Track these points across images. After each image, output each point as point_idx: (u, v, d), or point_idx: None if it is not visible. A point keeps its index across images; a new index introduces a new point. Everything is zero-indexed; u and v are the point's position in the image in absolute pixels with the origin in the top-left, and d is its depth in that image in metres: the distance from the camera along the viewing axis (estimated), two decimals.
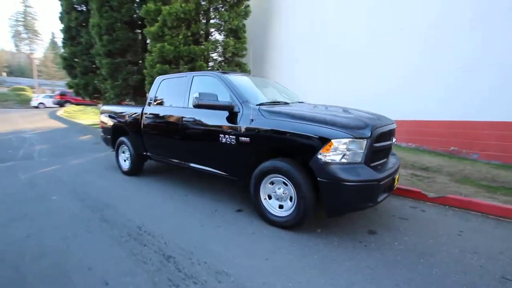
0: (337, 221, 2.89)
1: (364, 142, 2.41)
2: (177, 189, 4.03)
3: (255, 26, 9.95)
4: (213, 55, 9.13)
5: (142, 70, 11.59)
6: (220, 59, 9.14)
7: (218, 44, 8.62)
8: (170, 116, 3.78)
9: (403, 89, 6.27)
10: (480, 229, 2.81)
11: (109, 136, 5.12)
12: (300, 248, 2.39)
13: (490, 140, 4.88)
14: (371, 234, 2.67)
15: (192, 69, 8.64)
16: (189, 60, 8.56)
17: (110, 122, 5.05)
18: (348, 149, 2.37)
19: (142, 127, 4.25)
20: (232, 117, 3.04)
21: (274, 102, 3.32)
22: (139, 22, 11.12)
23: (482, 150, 5.01)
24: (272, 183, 2.81)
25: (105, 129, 5.21)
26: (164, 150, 4.02)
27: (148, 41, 11.93)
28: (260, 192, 2.87)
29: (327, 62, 8.19)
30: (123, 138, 4.75)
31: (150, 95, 4.27)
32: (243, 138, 2.89)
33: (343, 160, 2.38)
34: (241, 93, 3.12)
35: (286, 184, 2.70)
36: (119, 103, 11.53)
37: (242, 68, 9.32)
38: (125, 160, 4.89)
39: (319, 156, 2.39)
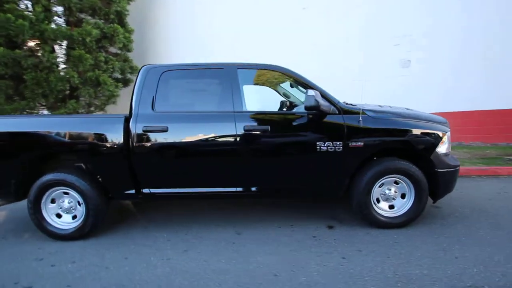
0: None
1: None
2: (207, 230, 2.80)
3: (136, 15, 8.12)
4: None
5: None
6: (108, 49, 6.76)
7: (105, 30, 6.32)
8: (212, 126, 2.54)
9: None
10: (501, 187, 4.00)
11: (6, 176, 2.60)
12: (473, 242, 2.43)
13: None
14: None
15: (68, 57, 5.86)
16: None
17: (12, 149, 2.58)
18: (448, 141, 2.77)
19: (132, 149, 2.53)
20: (328, 119, 2.58)
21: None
22: None
23: None
24: (380, 185, 2.71)
25: None
26: (193, 178, 2.63)
27: None
28: (372, 197, 2.67)
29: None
30: (58, 176, 2.58)
31: (143, 96, 2.60)
32: (354, 143, 2.55)
33: (447, 151, 2.76)
34: (326, 91, 2.70)
35: (396, 183, 2.71)
36: None
37: (129, 64, 7.39)
38: (59, 215, 2.70)
39: (438, 150, 2.64)
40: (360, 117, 2.58)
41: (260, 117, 2.59)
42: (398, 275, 2.00)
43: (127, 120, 2.58)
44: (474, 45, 6.49)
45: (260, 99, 3.85)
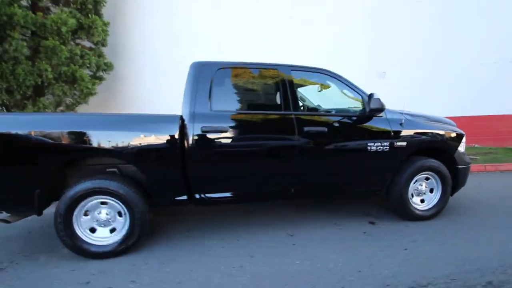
0: None
1: None
2: (258, 234, 2.73)
3: (108, 7, 7.39)
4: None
5: None
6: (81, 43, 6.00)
7: (81, 21, 5.60)
8: (272, 127, 2.50)
9: None
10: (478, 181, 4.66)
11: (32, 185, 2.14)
12: (491, 226, 2.88)
13: None
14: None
15: (36, 49, 5.02)
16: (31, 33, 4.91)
17: (42, 152, 2.14)
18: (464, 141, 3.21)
19: (188, 150, 2.34)
20: (375, 122, 2.77)
21: None
22: None
23: None
24: (414, 181, 2.99)
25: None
26: (250, 180, 2.53)
27: None
28: (408, 192, 2.94)
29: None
30: (99, 183, 2.23)
31: (198, 94, 2.41)
32: (399, 143, 2.78)
33: (464, 150, 3.19)
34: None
35: (427, 179, 3.03)
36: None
37: (103, 59, 6.68)
38: (92, 230, 2.32)
39: (459, 149, 3.04)
40: (403, 120, 2.84)
41: (318, 119, 2.66)
42: (459, 258, 2.25)
43: (181, 119, 2.38)
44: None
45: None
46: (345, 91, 2.86)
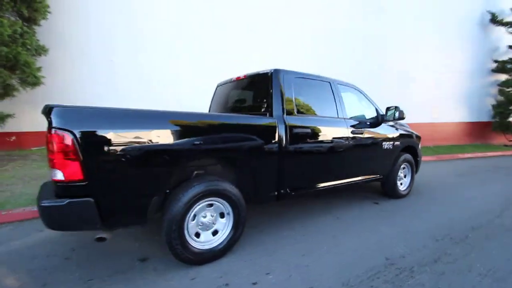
0: None
1: None
2: (312, 221, 3.21)
3: None
4: None
5: None
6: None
7: None
8: (335, 129, 3.03)
9: None
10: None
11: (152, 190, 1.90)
12: (453, 195, 4.26)
13: None
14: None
15: None
16: None
17: (169, 156, 1.95)
18: None
19: (283, 150, 2.57)
20: (387, 127, 3.74)
21: None
22: None
23: None
24: None
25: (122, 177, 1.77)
26: (321, 174, 2.98)
27: None
28: (397, 178, 4.04)
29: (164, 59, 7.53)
30: (215, 185, 2.20)
31: (285, 96, 2.63)
32: (396, 142, 3.84)
33: (420, 147, 4.60)
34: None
35: (403, 168, 4.24)
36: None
37: (40, 49, 5.30)
38: (197, 235, 2.24)
39: (419, 147, 4.42)
40: (397, 125, 3.93)
41: (358, 123, 3.37)
42: (448, 219, 3.37)
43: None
44: None
45: None
46: (363, 102, 3.70)
